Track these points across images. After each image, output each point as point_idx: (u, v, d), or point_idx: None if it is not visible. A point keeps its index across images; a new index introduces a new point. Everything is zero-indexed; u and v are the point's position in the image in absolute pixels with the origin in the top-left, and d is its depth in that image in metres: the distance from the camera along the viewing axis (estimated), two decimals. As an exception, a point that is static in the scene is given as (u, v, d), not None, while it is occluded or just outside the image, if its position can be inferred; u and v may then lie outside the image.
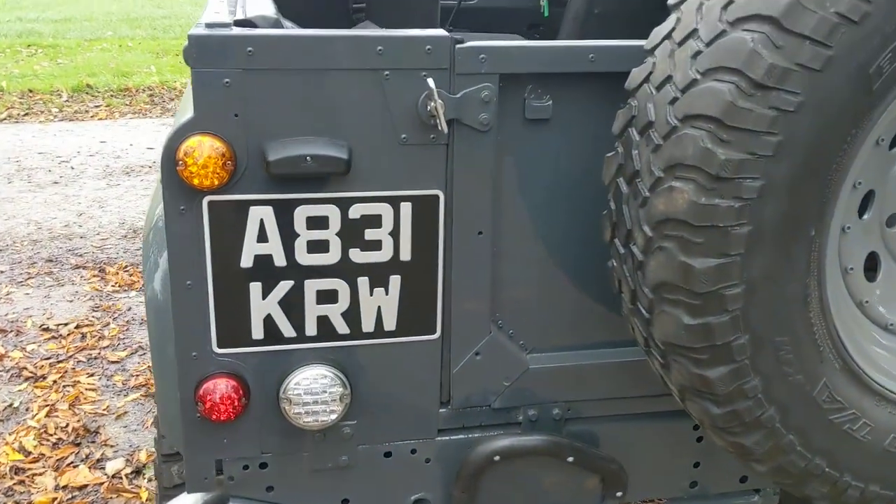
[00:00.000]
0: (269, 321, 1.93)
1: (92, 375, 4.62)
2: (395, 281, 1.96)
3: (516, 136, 1.96)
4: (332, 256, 1.91)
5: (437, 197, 1.92)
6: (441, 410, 2.10)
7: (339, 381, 1.96)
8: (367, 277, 1.94)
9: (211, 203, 1.82)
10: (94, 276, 5.76)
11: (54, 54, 13.09)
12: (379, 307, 1.97)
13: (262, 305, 1.91)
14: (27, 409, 4.29)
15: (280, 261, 1.89)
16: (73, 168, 7.93)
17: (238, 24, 1.84)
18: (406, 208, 1.91)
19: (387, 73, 1.81)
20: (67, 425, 4.18)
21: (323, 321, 1.95)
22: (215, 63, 1.75)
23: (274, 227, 1.86)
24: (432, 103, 1.80)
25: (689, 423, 2.25)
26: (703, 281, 1.50)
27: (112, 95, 10.65)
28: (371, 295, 1.96)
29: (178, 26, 16.10)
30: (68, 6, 17.89)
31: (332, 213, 1.88)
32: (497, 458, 2.08)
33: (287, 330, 1.94)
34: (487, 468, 2.10)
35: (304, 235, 1.88)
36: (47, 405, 4.33)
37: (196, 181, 1.77)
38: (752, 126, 1.43)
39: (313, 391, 1.95)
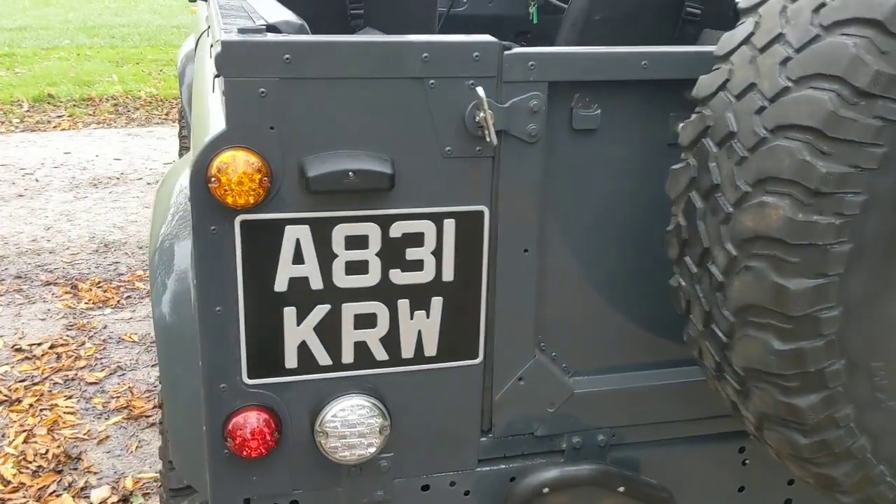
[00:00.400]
0: (303, 349, 1.79)
1: (70, 398, 4.42)
2: (436, 303, 1.83)
3: (563, 148, 1.84)
4: (371, 278, 1.78)
5: (481, 213, 1.80)
6: (482, 439, 1.97)
7: (377, 411, 1.83)
8: (407, 300, 1.81)
9: (244, 223, 1.68)
10: (66, 292, 5.54)
11: (10, 63, 12.76)
12: (419, 331, 1.84)
13: (297, 332, 1.77)
14: (3, 436, 4.08)
15: (316, 283, 1.75)
16: (37, 180, 7.68)
17: (245, 30, 1.71)
18: (449, 225, 1.79)
19: (432, 82, 1.69)
20: (47, 451, 3.98)
21: (360, 347, 1.82)
22: (250, 72, 1.61)
23: (311, 248, 1.73)
24: (482, 113, 1.68)
25: (734, 446, 2.15)
26: (798, 303, 1.39)
27: (74, 105, 10.37)
28: (411, 318, 1.83)
29: (136, 35, 15.81)
30: (23, 14, 17.50)
31: (373, 231, 1.75)
32: (546, 490, 1.96)
33: (322, 358, 1.80)
34: (534, 501, 1.97)
35: (343, 256, 1.75)
36: (24, 430, 4.13)
37: (230, 199, 1.63)
38: (855, 137, 1.32)
39: (351, 423, 1.81)
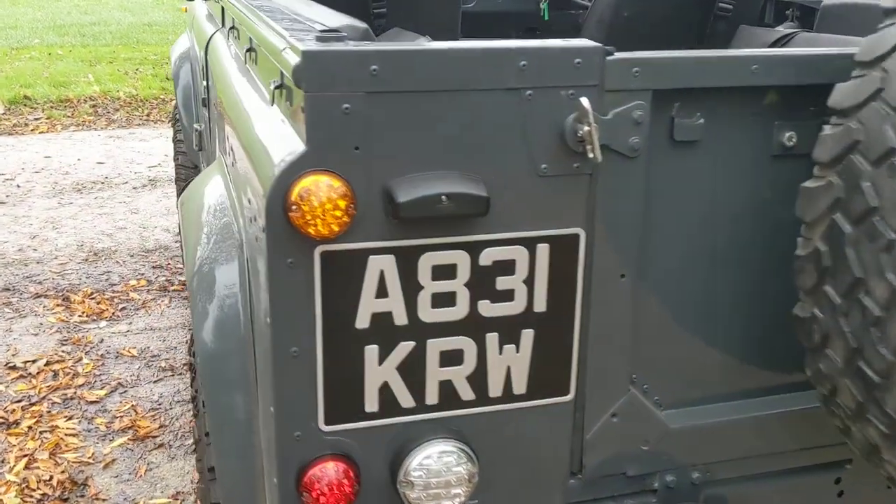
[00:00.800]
0: (385, 390, 1.61)
1: (70, 419, 4.20)
2: (527, 336, 1.66)
3: (662, 162, 1.68)
4: (458, 311, 1.60)
5: (577, 236, 1.63)
6: (570, 482, 1.81)
7: (465, 457, 1.66)
8: (496, 333, 1.64)
9: (325, 254, 1.50)
10: (58, 305, 5.31)
11: (-20, 64, 12.42)
12: (508, 367, 1.67)
13: (379, 372, 1.60)
14: (3, 461, 3.87)
15: (401, 319, 1.58)
16: (19, 186, 7.41)
17: (324, 37, 1.52)
18: (543, 251, 1.62)
19: (529, 93, 1.52)
20: (51, 478, 3.77)
21: (445, 387, 1.65)
22: (334, 85, 1.43)
23: (395, 280, 1.55)
24: (585, 127, 1.51)
25: (830, 478, 2.00)
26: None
27: (52, 107, 10.06)
28: (500, 353, 1.66)
29: (108, 33, 15.46)
30: (-10, 13, 17.10)
31: (461, 260, 1.58)
32: (647, 536, 1.80)
33: (405, 399, 1.63)
34: (633, 548, 1.82)
35: (429, 287, 1.57)
36: (25, 455, 3.91)
37: (311, 229, 1.45)
38: None
39: (438, 472, 1.64)
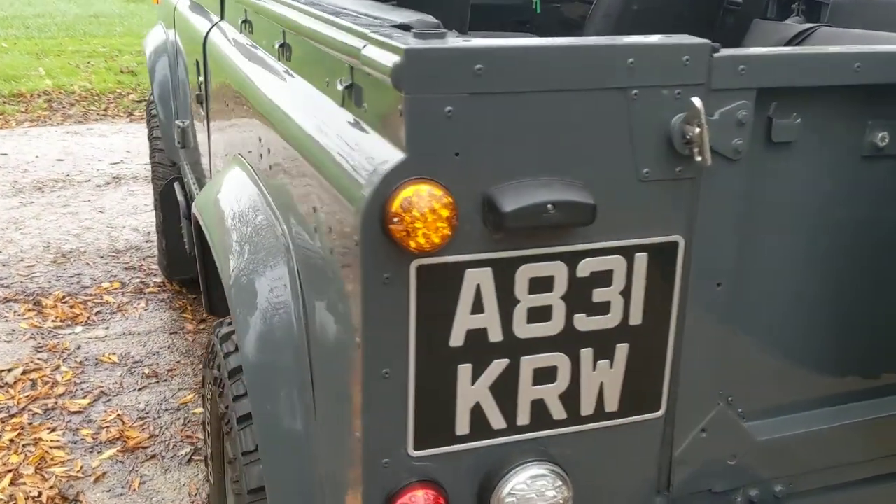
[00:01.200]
0: (476, 411, 1.51)
1: (54, 430, 4.01)
2: (621, 351, 1.57)
3: (759, 164, 1.60)
4: (554, 325, 1.50)
5: (675, 244, 1.54)
6: (657, 499, 1.72)
7: (560, 479, 1.56)
8: (591, 348, 1.54)
9: (421, 268, 1.39)
10: (29, 310, 5.09)
11: (-78, 57, 11.98)
12: (601, 384, 1.58)
13: (471, 392, 1.49)
14: (-14, 477, 3.68)
15: (496, 335, 1.47)
16: (-25, 186, 7.14)
17: (424, 34, 1.41)
18: (641, 260, 1.52)
19: (635, 92, 1.42)
20: (40, 494, 3.59)
21: (537, 406, 1.55)
22: (438, 87, 1.32)
23: (492, 294, 1.45)
24: (696, 128, 1.42)
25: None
26: None
27: (4, 102, 9.72)
28: (594, 370, 1.56)
29: (53, 25, 15.03)
30: (-73, 5, 16.53)
31: (559, 271, 1.47)
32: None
33: (496, 420, 1.53)
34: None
35: (525, 301, 1.47)
36: (9, 470, 3.72)
37: (412, 242, 1.33)
38: None
39: (531, 497, 1.54)
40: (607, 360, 1.56)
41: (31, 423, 4.05)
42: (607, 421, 1.60)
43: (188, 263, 4.89)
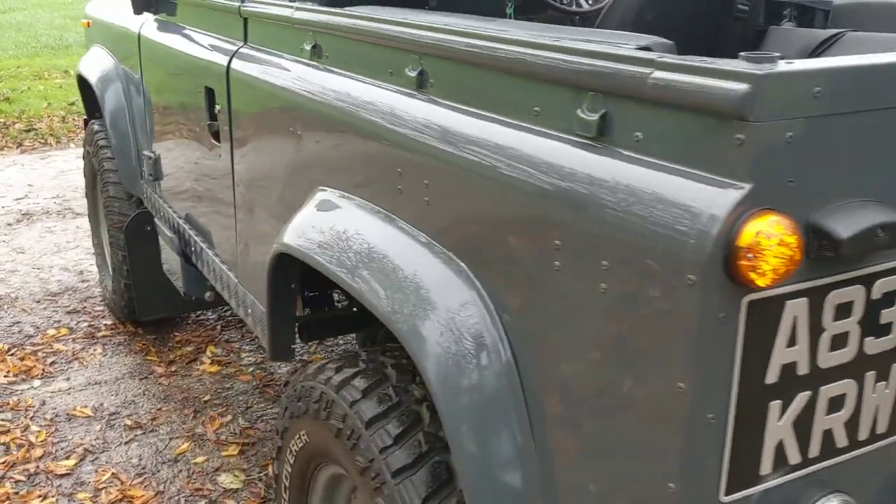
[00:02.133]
0: (778, 448, 1.44)
1: (45, 498, 3.67)
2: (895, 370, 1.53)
3: None
4: (848, 352, 1.45)
5: None
6: None
7: (852, 509, 1.51)
8: (874, 371, 1.50)
9: (751, 304, 1.31)
10: (-26, 367, 4.69)
11: None
12: (877, 406, 1.53)
13: (777, 429, 1.42)
14: (-14, 558, 3.35)
15: (803, 367, 1.40)
16: None
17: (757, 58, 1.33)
18: None
19: None
20: (57, 570, 3.29)
21: (826, 436, 1.49)
22: (781, 112, 1.24)
23: (804, 325, 1.38)
24: None
25: None
26: None
27: None
28: (874, 392, 1.51)
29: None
30: None
31: (857, 295, 1.42)
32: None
33: (793, 455, 1.46)
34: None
35: (830, 329, 1.41)
36: (11, 547, 3.41)
37: (759, 279, 1.25)
38: None
39: None
40: (884, 382, 1.52)
41: (17, 493, 3.71)
42: (877, 443, 1.56)
43: (164, 303, 4.61)
